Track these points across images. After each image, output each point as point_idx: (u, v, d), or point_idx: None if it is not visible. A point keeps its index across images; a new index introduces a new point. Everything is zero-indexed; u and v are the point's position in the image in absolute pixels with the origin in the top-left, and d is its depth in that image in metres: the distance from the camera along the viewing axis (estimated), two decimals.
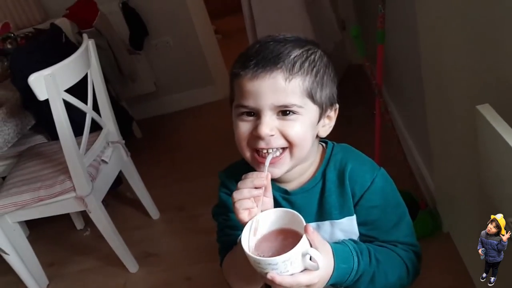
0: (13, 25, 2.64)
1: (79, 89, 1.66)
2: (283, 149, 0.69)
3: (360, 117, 2.22)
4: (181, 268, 1.83)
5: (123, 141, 1.95)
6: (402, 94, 1.91)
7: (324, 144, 0.79)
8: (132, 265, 1.87)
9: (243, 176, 0.67)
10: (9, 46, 2.32)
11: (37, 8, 2.74)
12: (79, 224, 2.24)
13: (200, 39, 3.00)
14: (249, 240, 0.64)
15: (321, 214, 0.74)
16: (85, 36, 1.70)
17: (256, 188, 0.65)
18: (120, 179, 2.16)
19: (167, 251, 1.96)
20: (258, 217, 0.65)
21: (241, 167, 0.75)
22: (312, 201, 0.74)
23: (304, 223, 0.62)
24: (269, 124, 0.66)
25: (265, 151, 0.68)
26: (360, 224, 0.74)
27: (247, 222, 0.65)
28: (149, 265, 1.91)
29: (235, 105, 0.70)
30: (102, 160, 1.78)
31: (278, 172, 0.70)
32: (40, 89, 1.42)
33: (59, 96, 1.46)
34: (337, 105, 0.75)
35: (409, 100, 1.78)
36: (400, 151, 1.59)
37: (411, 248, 0.75)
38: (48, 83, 1.41)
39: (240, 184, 0.66)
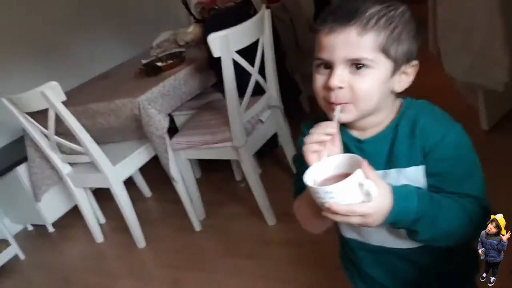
0: None
1: (251, 56, 1.89)
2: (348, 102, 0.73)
3: None
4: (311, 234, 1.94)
5: (282, 107, 2.12)
6: None
7: (403, 99, 0.79)
8: (270, 219, 2.07)
9: (315, 125, 0.73)
10: None
11: None
12: (238, 176, 2.55)
13: None
14: (314, 179, 0.70)
15: (390, 162, 0.76)
16: (263, 6, 1.91)
17: (326, 135, 0.71)
18: (276, 143, 2.37)
19: None
20: (324, 159, 0.71)
21: (322, 119, 0.81)
22: (382, 150, 0.76)
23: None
24: (340, 76, 0.71)
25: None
26: (428, 175, 0.74)
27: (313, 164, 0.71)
28: (285, 222, 2.07)
29: (314, 58, 0.76)
30: (260, 120, 1.99)
31: (345, 117, 0.74)
32: (215, 47, 1.68)
33: (230, 56, 1.70)
34: (416, 61, 0.74)
35: None
36: None
37: (478, 201, 0.74)
38: (222, 43, 1.66)
39: (312, 130, 0.72)
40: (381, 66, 0.71)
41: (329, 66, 0.73)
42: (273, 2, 2.56)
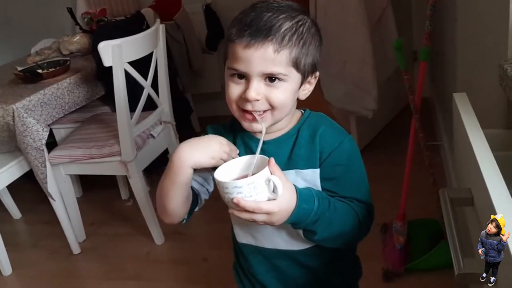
0: (110, 11, 2.96)
1: (143, 71, 1.84)
2: (265, 110, 0.77)
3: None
4: (201, 250, 1.92)
5: (174, 123, 2.10)
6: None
7: (302, 111, 0.87)
8: (158, 238, 2.00)
9: (229, 143, 0.80)
10: None
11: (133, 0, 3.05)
12: (124, 195, 2.43)
13: None
14: (223, 177, 0.72)
15: (289, 163, 0.81)
16: (157, 20, 1.89)
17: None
18: (166, 160, 2.31)
19: (193, 232, 2.06)
20: (234, 159, 0.75)
21: (227, 127, 0.87)
22: (283, 152, 0.82)
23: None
24: (256, 89, 0.74)
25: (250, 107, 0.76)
26: (323, 179, 0.80)
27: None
28: (174, 241, 2.02)
29: (228, 66, 0.78)
30: (151, 135, 1.94)
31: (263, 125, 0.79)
32: (107, 56, 1.61)
33: (122, 66, 1.64)
34: (318, 73, 0.82)
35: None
36: (430, 174, 1.56)
37: (366, 206, 0.82)
38: (114, 52, 1.60)
39: (225, 144, 0.78)
40: (292, 79, 0.76)
41: (243, 77, 0.76)
42: (165, 20, 2.55)
